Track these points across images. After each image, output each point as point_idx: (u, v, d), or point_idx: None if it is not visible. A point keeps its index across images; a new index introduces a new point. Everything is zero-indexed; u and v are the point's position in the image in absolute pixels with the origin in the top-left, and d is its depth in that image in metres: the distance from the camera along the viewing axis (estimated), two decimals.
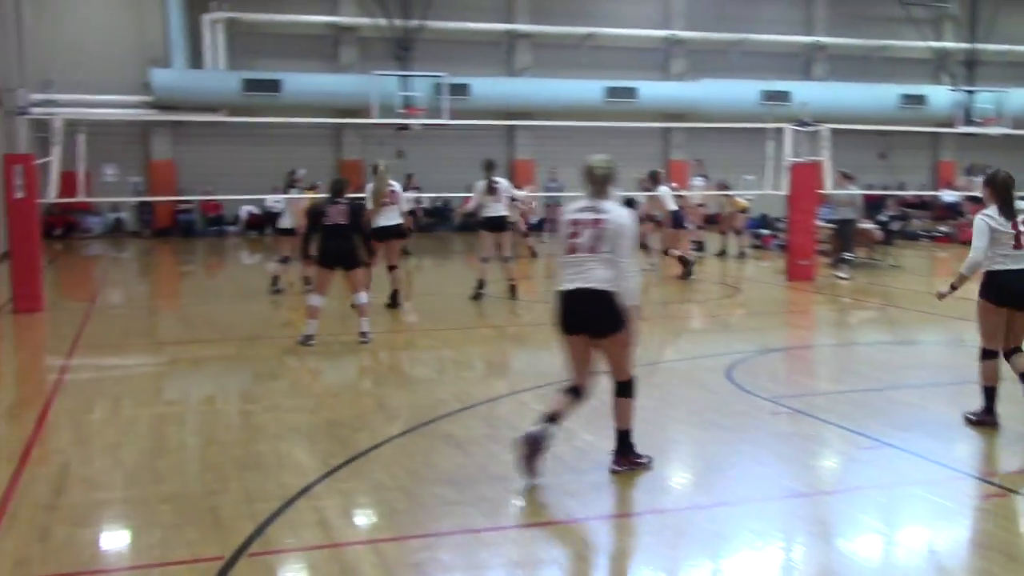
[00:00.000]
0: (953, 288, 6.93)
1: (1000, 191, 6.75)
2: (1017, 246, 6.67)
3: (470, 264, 18.61)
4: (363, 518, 5.34)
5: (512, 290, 13.48)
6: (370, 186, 12.77)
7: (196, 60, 26.88)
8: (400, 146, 28.25)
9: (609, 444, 6.13)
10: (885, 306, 13.88)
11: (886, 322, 12.85)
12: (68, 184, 14.41)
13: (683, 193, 19.88)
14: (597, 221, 5.66)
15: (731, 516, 5.27)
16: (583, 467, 6.02)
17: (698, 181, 20.52)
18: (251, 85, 26.03)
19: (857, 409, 7.49)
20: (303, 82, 26.81)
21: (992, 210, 6.74)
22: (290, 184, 14.96)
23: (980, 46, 29.54)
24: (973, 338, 11.12)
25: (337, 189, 10.33)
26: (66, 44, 25.00)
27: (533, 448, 5.68)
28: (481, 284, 13.52)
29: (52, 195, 13.79)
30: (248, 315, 12.79)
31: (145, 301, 15.60)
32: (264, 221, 26.71)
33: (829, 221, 17.85)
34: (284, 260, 14.32)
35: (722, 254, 19.62)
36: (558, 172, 25.23)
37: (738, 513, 5.31)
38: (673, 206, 16.64)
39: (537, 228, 27.64)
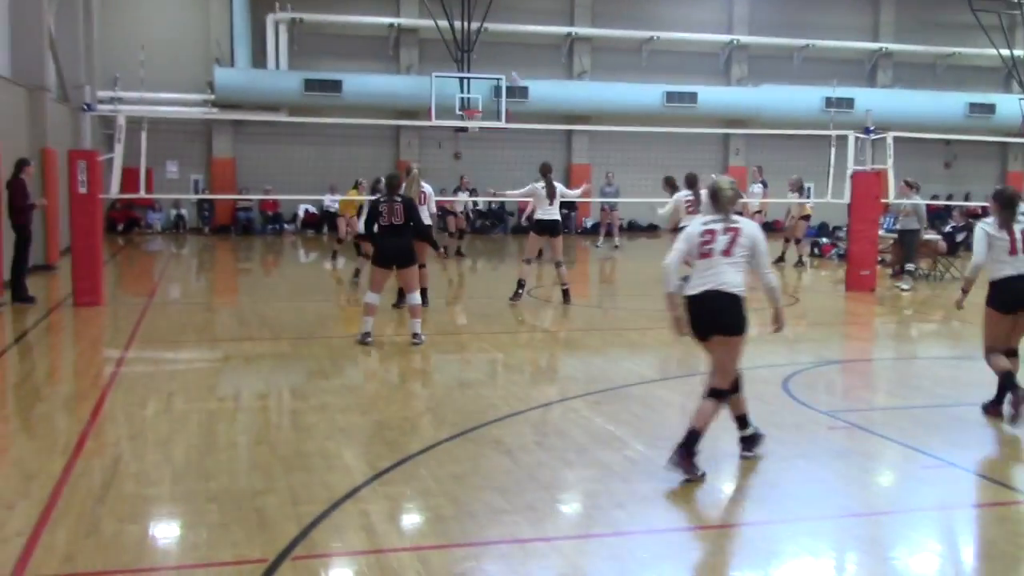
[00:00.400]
0: (964, 292, 7.61)
1: (1002, 205, 7.43)
2: (1012, 252, 7.33)
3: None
4: (409, 524, 5.28)
5: (565, 295, 13.36)
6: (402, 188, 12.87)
7: (259, 60, 27.21)
8: (458, 148, 28.30)
9: (661, 456, 6.01)
10: (948, 319, 13.52)
11: (949, 336, 12.52)
12: (131, 180, 14.62)
13: (743, 200, 19.61)
14: (730, 229, 6.08)
15: (785, 534, 5.12)
16: (634, 479, 5.90)
17: (756, 188, 20.20)
18: (312, 85, 26.27)
19: (918, 426, 7.28)
20: (363, 83, 26.99)
21: (991, 220, 7.45)
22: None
23: None
24: None
25: (392, 186, 10.26)
26: (132, 42, 25.40)
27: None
28: (521, 284, 13.41)
29: (115, 191, 13.99)
30: (303, 314, 12.85)
31: (202, 297, 15.76)
32: (321, 220, 27.02)
33: (891, 231, 17.49)
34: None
35: (780, 260, 19.28)
36: (614, 176, 25.05)
37: (792, 531, 5.16)
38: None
39: (593, 231, 27.57)
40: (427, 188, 13.40)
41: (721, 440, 6.91)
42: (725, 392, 6.14)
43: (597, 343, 10.93)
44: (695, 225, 6.23)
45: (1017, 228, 7.37)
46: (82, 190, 12.70)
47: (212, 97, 26.28)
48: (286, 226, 27.75)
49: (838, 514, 5.45)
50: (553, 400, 7.94)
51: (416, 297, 10.39)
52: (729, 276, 6.01)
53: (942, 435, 7.01)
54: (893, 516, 5.49)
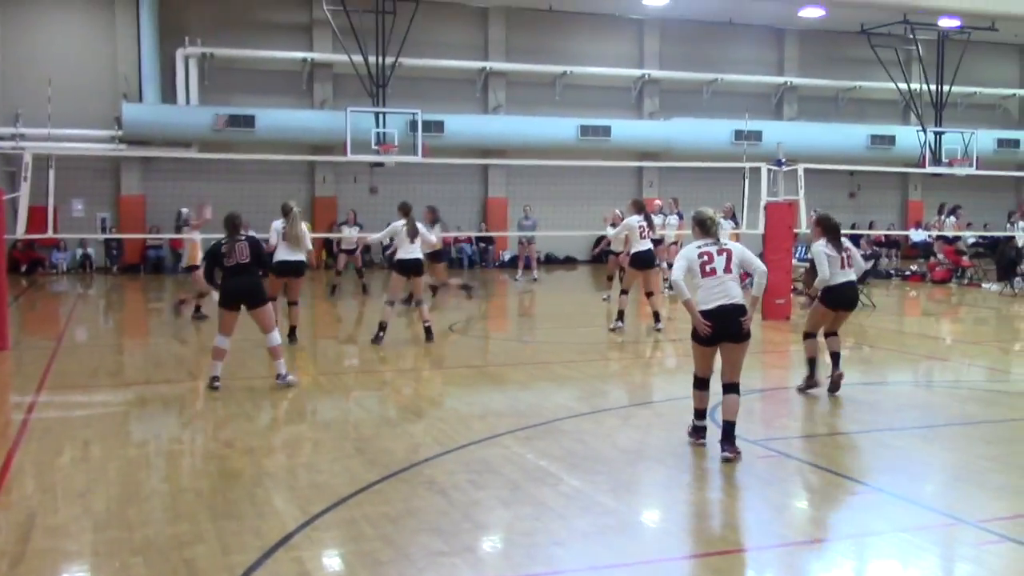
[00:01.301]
0: (811, 298, 9.50)
1: (827, 229, 9.43)
2: (843, 266, 9.41)
3: (444, 301, 18.47)
4: (346, 570, 5.13)
5: (428, 332, 13.08)
6: (277, 223, 12.96)
7: (169, 95, 26.71)
8: (373, 182, 28.16)
9: (596, 490, 5.98)
10: (860, 344, 13.86)
11: (862, 361, 12.80)
12: (37, 219, 14.16)
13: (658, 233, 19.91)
14: (723, 251, 7.27)
15: (726, 565, 5.13)
16: (570, 514, 5.85)
17: (672, 219, 20.52)
18: (224, 120, 25.86)
19: (843, 452, 7.41)
20: (276, 117, 26.69)
21: (823, 242, 9.40)
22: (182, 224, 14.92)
23: (947, 87, 30.00)
24: (942, 377, 11.18)
25: (233, 225, 9.91)
26: (35, 77, 24.70)
27: (699, 436, 7.47)
28: (382, 327, 12.90)
29: (20, 231, 13.53)
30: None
31: (113, 339, 15.29)
32: None
33: (803, 260, 17.91)
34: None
35: None
36: (531, 209, 25.18)
37: (733, 563, 5.17)
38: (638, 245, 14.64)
39: (511, 264, 27.63)
40: (304, 228, 12.97)
41: (653, 471, 6.93)
42: (738, 384, 7.26)
43: (522, 377, 10.88)
44: (691, 248, 7.35)
45: (845, 246, 9.46)
46: None
47: (120, 133, 25.67)
48: (198, 264, 27.14)
49: (776, 543, 5.48)
50: (483, 437, 7.86)
51: (275, 337, 9.94)
52: (736, 290, 7.21)
53: (866, 461, 7.15)
54: (826, 544, 5.54)
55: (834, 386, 9.60)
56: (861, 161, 29.10)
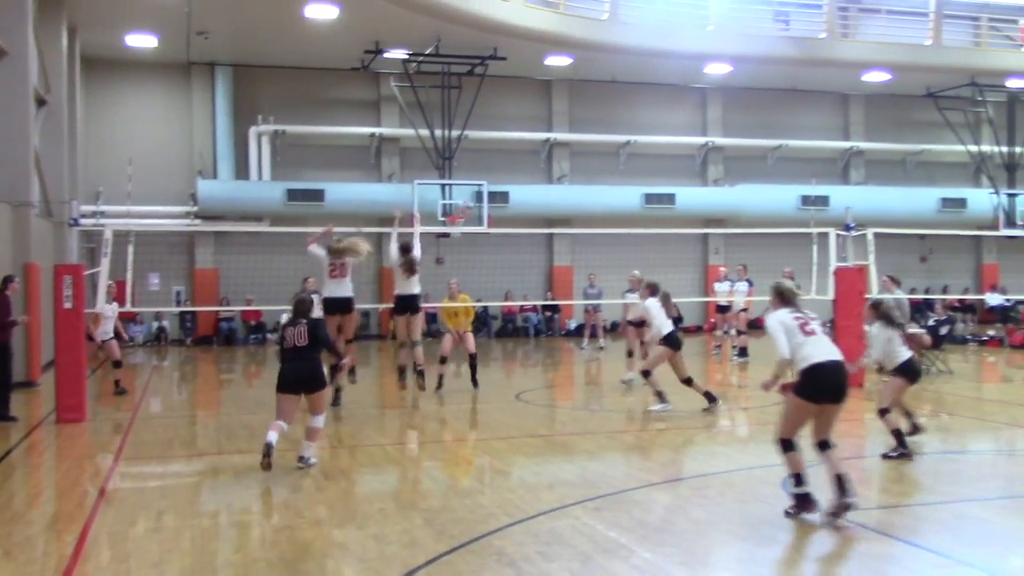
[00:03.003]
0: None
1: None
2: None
3: (511, 372, 18.48)
4: None
5: (420, 375, 13.28)
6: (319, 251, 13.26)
7: (242, 171, 27.49)
8: (440, 253, 28.48)
9: (668, 562, 5.88)
10: (938, 412, 13.50)
11: (941, 430, 12.44)
12: (116, 293, 14.58)
13: (726, 299, 19.78)
14: (814, 318, 7.56)
15: None
16: None
17: (742, 286, 20.33)
18: (295, 195, 26.53)
19: (925, 524, 7.19)
20: (345, 191, 27.27)
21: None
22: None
23: (1019, 148, 29.52)
24: None
25: (298, 311, 9.74)
26: (114, 156, 25.63)
27: (803, 508, 7.24)
28: (401, 371, 13.51)
29: (100, 305, 13.91)
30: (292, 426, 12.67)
31: (187, 410, 15.54)
32: None
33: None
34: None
35: None
36: (596, 277, 25.19)
37: None
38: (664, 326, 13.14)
39: (577, 333, 27.58)
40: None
41: (728, 546, 6.78)
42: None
43: (591, 447, 10.79)
44: (786, 316, 7.48)
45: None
46: (67, 305, 12.61)
47: (195, 209, 26.45)
48: (269, 335, 27.62)
49: None
50: (552, 507, 7.78)
51: (319, 420, 9.67)
52: (835, 348, 7.38)
53: (950, 533, 6.91)
54: None
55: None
56: (932, 225, 28.69)
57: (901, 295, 16.93)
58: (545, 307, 29.42)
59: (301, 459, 9.54)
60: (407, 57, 25.52)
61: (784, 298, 7.66)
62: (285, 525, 7.42)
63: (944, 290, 31.53)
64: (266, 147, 27.58)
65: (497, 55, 25.30)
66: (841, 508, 7.02)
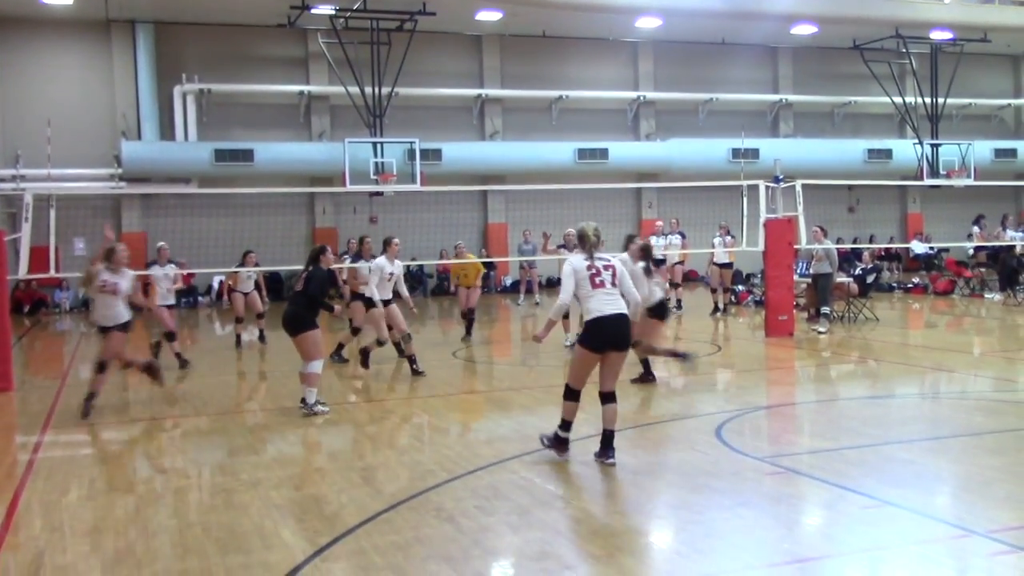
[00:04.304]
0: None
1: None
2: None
3: (448, 331, 18.52)
4: None
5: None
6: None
7: (167, 131, 26.86)
8: (373, 212, 28.24)
9: (605, 513, 5.96)
10: (865, 359, 13.85)
11: (868, 375, 12.80)
12: (39, 259, 14.18)
13: (665, 252, 19.94)
14: (609, 266, 7.62)
15: None
16: (580, 539, 5.83)
17: (676, 239, 20.50)
18: (223, 155, 26.04)
19: (852, 467, 7.38)
20: (275, 151, 26.84)
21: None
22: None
23: (942, 100, 30.11)
24: (949, 389, 11.16)
25: (312, 256, 10.44)
26: (35, 118, 24.86)
27: (552, 444, 7.77)
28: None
29: (23, 271, 13.55)
30: (221, 388, 12.55)
31: (117, 376, 15.25)
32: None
33: (805, 276, 17.92)
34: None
35: (716, 311, 19.72)
36: (531, 233, 25.23)
37: None
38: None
39: (513, 289, 27.66)
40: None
41: (663, 493, 6.91)
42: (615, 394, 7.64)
43: (527, 401, 10.87)
44: (580, 263, 7.57)
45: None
46: None
47: (120, 171, 25.79)
48: (200, 298, 27.22)
49: (787, 560, 5.45)
50: (490, 462, 7.83)
51: (310, 366, 10.02)
52: (622, 303, 7.55)
53: (876, 475, 7.12)
54: (839, 559, 5.51)
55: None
56: (859, 176, 29.22)
57: (829, 244, 17.25)
58: (485, 264, 29.37)
59: (302, 402, 10.07)
60: (334, 12, 25.05)
61: (584, 243, 7.73)
62: (221, 488, 7.36)
63: (871, 239, 32.25)
64: (192, 107, 26.97)
65: (426, 10, 24.96)
66: (600, 460, 7.57)
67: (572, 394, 7.67)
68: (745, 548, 5.66)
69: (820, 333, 15.99)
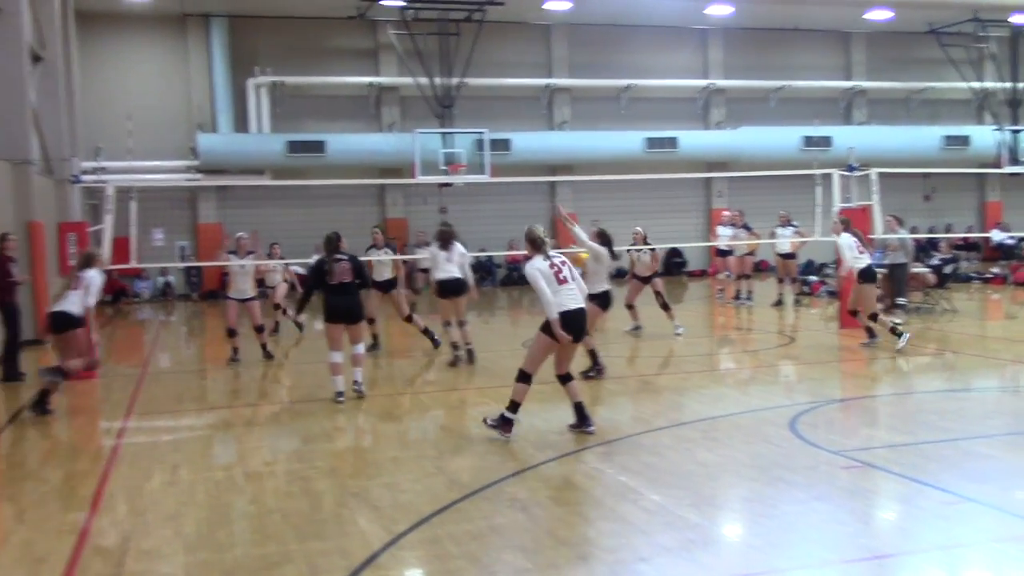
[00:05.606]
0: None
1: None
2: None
3: (516, 321, 18.54)
4: None
5: (470, 354, 13.10)
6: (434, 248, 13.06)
7: (241, 124, 27.35)
8: (443, 202, 28.42)
9: (678, 506, 5.96)
10: (943, 351, 13.56)
11: (946, 368, 12.53)
12: (119, 249, 14.58)
13: (730, 243, 19.74)
14: (564, 262, 8.37)
15: None
16: (653, 530, 5.83)
17: (742, 233, 20.20)
18: (295, 147, 26.44)
19: (930, 462, 7.25)
20: (346, 142, 27.17)
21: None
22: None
23: (1022, 84, 29.26)
24: None
25: (333, 245, 10.45)
26: (113, 112, 25.56)
27: (502, 427, 8.28)
28: (456, 347, 13.13)
29: (105, 262, 13.92)
30: (297, 376, 12.78)
31: (196, 364, 15.65)
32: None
33: (880, 266, 17.58)
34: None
35: (779, 303, 19.41)
36: (599, 223, 25.11)
37: None
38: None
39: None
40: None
41: (737, 486, 6.88)
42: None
43: (597, 392, 10.86)
44: (542, 264, 8.19)
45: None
46: (73, 262, 12.63)
47: (196, 163, 26.35)
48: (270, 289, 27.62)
49: (865, 556, 5.40)
50: (562, 453, 7.87)
51: (361, 347, 10.72)
52: (580, 296, 8.33)
53: (956, 470, 6.99)
54: (917, 556, 5.43)
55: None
56: (935, 163, 28.55)
57: (905, 234, 16.91)
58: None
59: (356, 383, 10.49)
60: (404, 4, 25.23)
61: (537, 245, 8.26)
62: (298, 476, 7.51)
63: (948, 229, 31.49)
64: (265, 99, 27.40)
65: (495, 0, 25.00)
66: (579, 430, 8.37)
67: (526, 378, 8.34)
68: (820, 543, 5.62)
69: (896, 325, 15.67)
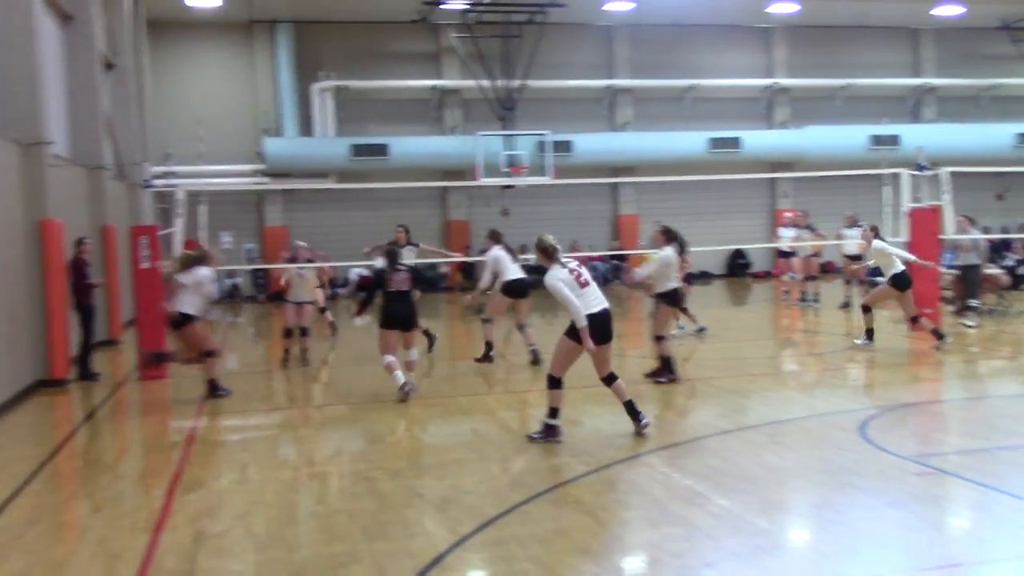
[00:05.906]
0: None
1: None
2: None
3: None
4: None
5: (534, 355, 13.04)
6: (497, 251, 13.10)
7: (306, 128, 27.72)
8: (505, 204, 28.48)
9: (745, 510, 5.90)
10: (1017, 355, 13.22)
11: (1021, 372, 12.22)
12: None
13: (793, 244, 19.46)
14: (581, 266, 8.41)
15: None
16: (720, 535, 5.77)
17: (806, 233, 19.88)
18: (359, 150, 26.72)
19: (1006, 468, 7.09)
20: (409, 145, 27.38)
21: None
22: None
23: None
24: None
25: (395, 256, 11.08)
26: (184, 117, 26.10)
27: (549, 435, 8.29)
28: (489, 347, 13.23)
29: (218, 261, 14.17)
30: (365, 377, 12.89)
31: (264, 365, 15.88)
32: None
33: (952, 267, 17.20)
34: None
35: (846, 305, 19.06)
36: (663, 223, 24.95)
37: None
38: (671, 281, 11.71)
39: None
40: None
41: (806, 492, 6.78)
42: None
43: (662, 395, 10.80)
44: (563, 273, 8.16)
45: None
46: (145, 265, 12.92)
47: (263, 167, 26.77)
48: (339, 291, 27.98)
49: (941, 565, 5.29)
50: (627, 456, 7.84)
51: (414, 353, 11.22)
52: (603, 297, 8.32)
53: None
54: (992, 565, 5.31)
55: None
56: (1008, 161, 27.83)
57: (977, 235, 16.53)
58: (612, 256, 29.29)
59: (406, 384, 10.69)
60: (466, 7, 25.35)
61: (549, 254, 8.26)
62: (364, 477, 7.58)
63: (1021, 229, 30.64)
64: (329, 103, 27.74)
65: (556, 2, 25.00)
66: (639, 433, 8.31)
67: (556, 383, 8.33)
68: (892, 550, 5.52)
69: (969, 327, 15.34)
